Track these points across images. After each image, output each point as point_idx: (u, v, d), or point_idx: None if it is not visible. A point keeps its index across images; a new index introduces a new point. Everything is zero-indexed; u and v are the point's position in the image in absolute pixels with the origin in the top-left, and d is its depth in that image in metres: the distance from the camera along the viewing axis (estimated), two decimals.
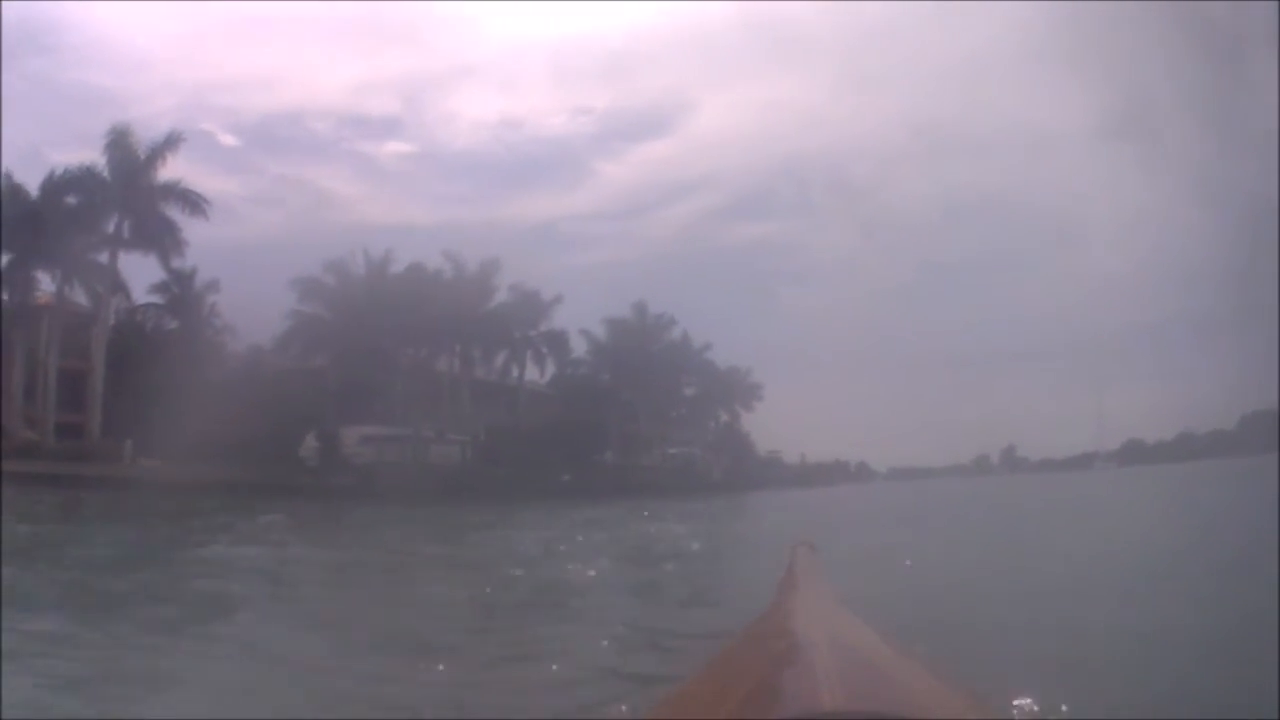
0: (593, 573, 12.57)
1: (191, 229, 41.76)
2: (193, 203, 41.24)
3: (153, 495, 28.91)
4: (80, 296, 41.51)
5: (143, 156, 40.70)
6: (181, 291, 44.77)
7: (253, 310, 45.47)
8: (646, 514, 25.50)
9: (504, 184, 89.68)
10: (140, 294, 44.31)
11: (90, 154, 40.67)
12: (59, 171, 40.28)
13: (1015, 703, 4.35)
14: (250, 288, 47.51)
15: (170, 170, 41.17)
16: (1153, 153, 74.29)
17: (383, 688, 5.94)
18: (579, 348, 55.95)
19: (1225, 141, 65.78)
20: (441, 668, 6.40)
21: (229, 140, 77.55)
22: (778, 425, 70.14)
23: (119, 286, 42.36)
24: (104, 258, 41.18)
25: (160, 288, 44.56)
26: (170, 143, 41.25)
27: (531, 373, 53.37)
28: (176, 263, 42.81)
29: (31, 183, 39.67)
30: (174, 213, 41.13)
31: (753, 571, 8.93)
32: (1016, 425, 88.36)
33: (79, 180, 40.46)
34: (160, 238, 40.99)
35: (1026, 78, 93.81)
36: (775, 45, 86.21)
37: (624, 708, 5.29)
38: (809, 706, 1.43)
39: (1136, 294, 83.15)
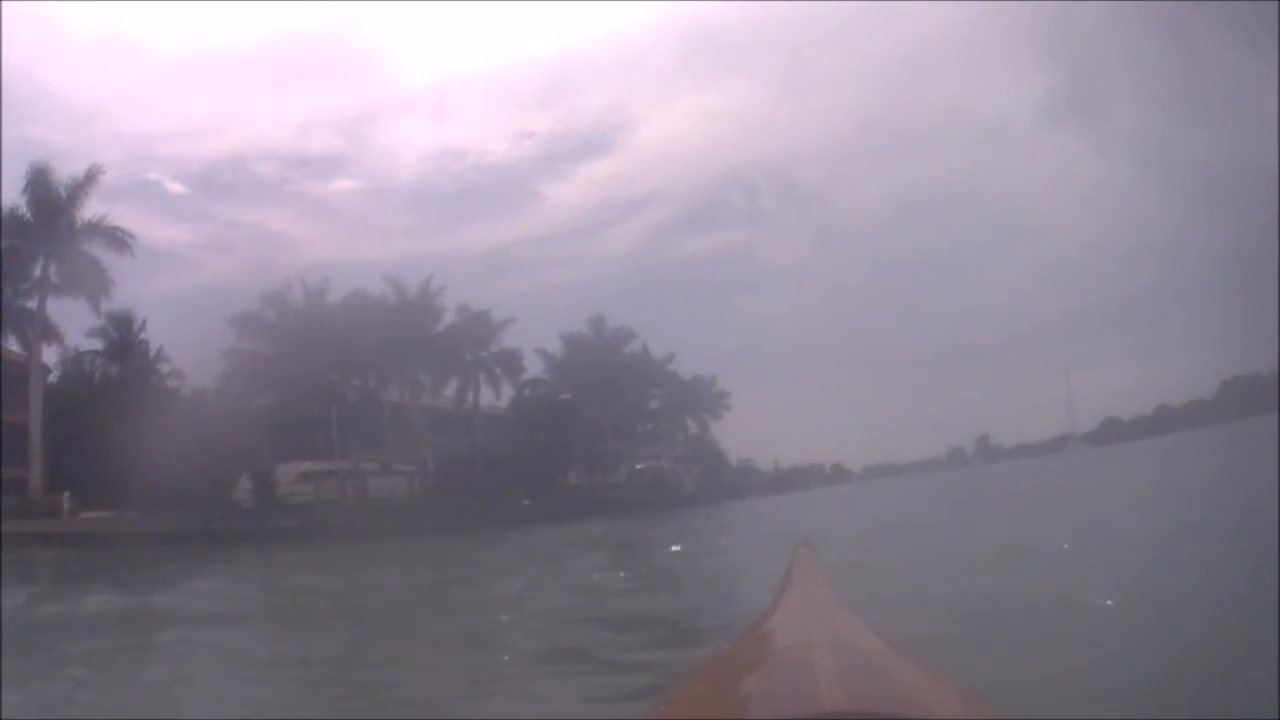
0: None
1: (144, 278, 40.63)
2: (117, 240, 39.82)
3: (82, 551, 27.63)
4: (16, 346, 40.16)
5: (64, 195, 39.42)
6: (119, 336, 43.35)
7: (206, 356, 44.51)
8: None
9: (452, 214, 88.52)
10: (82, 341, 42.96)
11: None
12: None
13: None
14: (204, 334, 46.38)
15: (98, 210, 39.94)
16: (1100, 132, 73.97)
17: None
18: (536, 368, 54.64)
19: (1173, 114, 65.75)
20: None
21: (176, 188, 76.10)
22: (748, 433, 69.23)
23: (51, 333, 40.91)
24: (34, 304, 39.79)
25: (99, 332, 43.18)
26: (90, 179, 39.71)
27: (489, 397, 51.81)
28: (106, 305, 41.38)
29: None
30: (100, 251, 39.80)
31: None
32: (989, 415, 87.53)
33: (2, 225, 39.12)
34: (86, 278, 39.56)
35: (967, 67, 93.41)
36: (710, 56, 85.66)
37: None
38: (809, 707, 1.40)
39: (1096, 274, 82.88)
